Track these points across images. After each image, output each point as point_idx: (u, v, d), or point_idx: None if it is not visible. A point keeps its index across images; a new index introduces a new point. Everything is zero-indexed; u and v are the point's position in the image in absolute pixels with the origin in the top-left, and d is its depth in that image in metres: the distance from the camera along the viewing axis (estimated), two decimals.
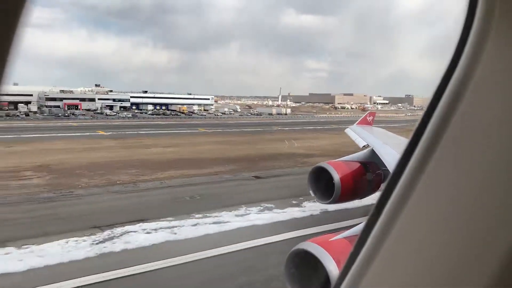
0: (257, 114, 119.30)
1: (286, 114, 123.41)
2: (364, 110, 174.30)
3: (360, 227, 5.79)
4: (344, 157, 13.99)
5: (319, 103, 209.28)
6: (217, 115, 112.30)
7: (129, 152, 37.79)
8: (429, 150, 1.23)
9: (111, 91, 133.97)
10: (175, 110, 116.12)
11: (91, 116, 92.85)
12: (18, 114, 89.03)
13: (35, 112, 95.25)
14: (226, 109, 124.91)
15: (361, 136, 17.55)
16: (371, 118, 23.47)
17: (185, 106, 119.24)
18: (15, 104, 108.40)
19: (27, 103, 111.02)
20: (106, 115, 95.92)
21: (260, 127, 71.79)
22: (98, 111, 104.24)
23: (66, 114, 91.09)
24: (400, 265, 1.28)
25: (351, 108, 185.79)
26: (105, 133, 54.61)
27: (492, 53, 1.15)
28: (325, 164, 13.04)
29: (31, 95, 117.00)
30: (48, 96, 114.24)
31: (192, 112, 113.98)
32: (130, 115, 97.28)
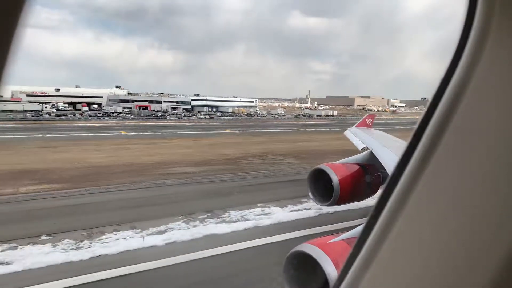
0: (308, 116, 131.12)
1: (333, 115, 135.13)
2: (395, 112, 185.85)
3: (359, 229, 5.80)
4: (343, 159, 14.35)
5: (337, 105, 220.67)
6: (275, 116, 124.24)
7: (292, 145, 49.47)
8: (428, 152, 1.24)
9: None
10: (234, 112, 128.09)
11: (176, 116, 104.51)
12: (115, 114, 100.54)
13: (120, 113, 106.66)
14: (279, 111, 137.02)
15: (360, 139, 17.91)
16: (370, 120, 23.65)
17: (243, 108, 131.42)
18: (88, 105, 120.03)
19: (99, 104, 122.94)
20: (185, 116, 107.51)
21: (339, 127, 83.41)
22: (171, 112, 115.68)
23: (158, 115, 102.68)
24: (399, 268, 1.30)
25: (378, 111, 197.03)
26: (236, 131, 66.39)
27: (492, 52, 1.15)
28: (324, 166, 13.19)
29: (102, 97, 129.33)
30: (121, 98, 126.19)
31: (250, 114, 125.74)
32: (208, 116, 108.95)
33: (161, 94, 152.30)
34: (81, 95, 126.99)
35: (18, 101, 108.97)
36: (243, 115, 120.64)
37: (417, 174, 1.25)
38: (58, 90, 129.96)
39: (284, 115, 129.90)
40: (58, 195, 21.52)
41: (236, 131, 66.39)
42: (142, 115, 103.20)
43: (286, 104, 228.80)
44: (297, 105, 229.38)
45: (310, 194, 13.43)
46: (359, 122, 23.29)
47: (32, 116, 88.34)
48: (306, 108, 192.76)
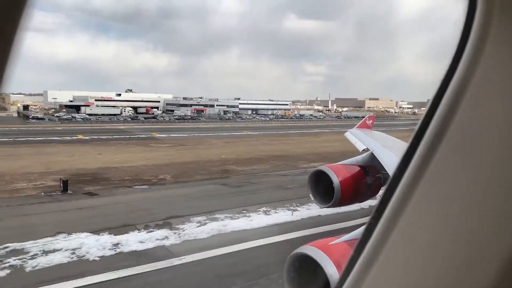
0: (348, 117, 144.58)
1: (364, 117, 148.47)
2: (415, 114, 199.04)
3: (360, 230, 5.87)
4: (343, 161, 14.41)
5: (348, 106, 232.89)
6: (319, 118, 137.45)
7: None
8: (429, 153, 1.23)
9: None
10: (279, 114, 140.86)
11: (241, 118, 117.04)
12: (189, 117, 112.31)
13: (195, 116, 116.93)
14: (318, 114, 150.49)
15: (360, 140, 18.12)
16: (370, 121, 23.59)
17: (290, 111, 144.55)
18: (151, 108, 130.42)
19: (157, 108, 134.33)
20: (247, 118, 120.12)
21: (397, 128, 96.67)
22: (231, 115, 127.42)
23: (230, 118, 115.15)
24: (400, 269, 1.29)
25: (395, 113, 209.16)
26: (327, 130, 79.33)
27: (492, 52, 1.14)
28: (325, 167, 13.29)
29: (159, 101, 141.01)
30: (179, 103, 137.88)
31: (297, 116, 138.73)
32: (268, 119, 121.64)
33: (200, 98, 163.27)
34: (140, 99, 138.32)
35: (88, 106, 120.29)
36: (292, 117, 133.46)
37: (418, 175, 1.24)
38: (119, 95, 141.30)
39: (325, 117, 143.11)
40: None
41: (327, 130, 79.44)
42: (218, 118, 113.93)
43: (316, 106, 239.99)
44: (316, 107, 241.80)
45: (310, 195, 13.57)
46: (359, 123, 23.53)
47: (131, 119, 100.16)
48: (327, 110, 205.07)
